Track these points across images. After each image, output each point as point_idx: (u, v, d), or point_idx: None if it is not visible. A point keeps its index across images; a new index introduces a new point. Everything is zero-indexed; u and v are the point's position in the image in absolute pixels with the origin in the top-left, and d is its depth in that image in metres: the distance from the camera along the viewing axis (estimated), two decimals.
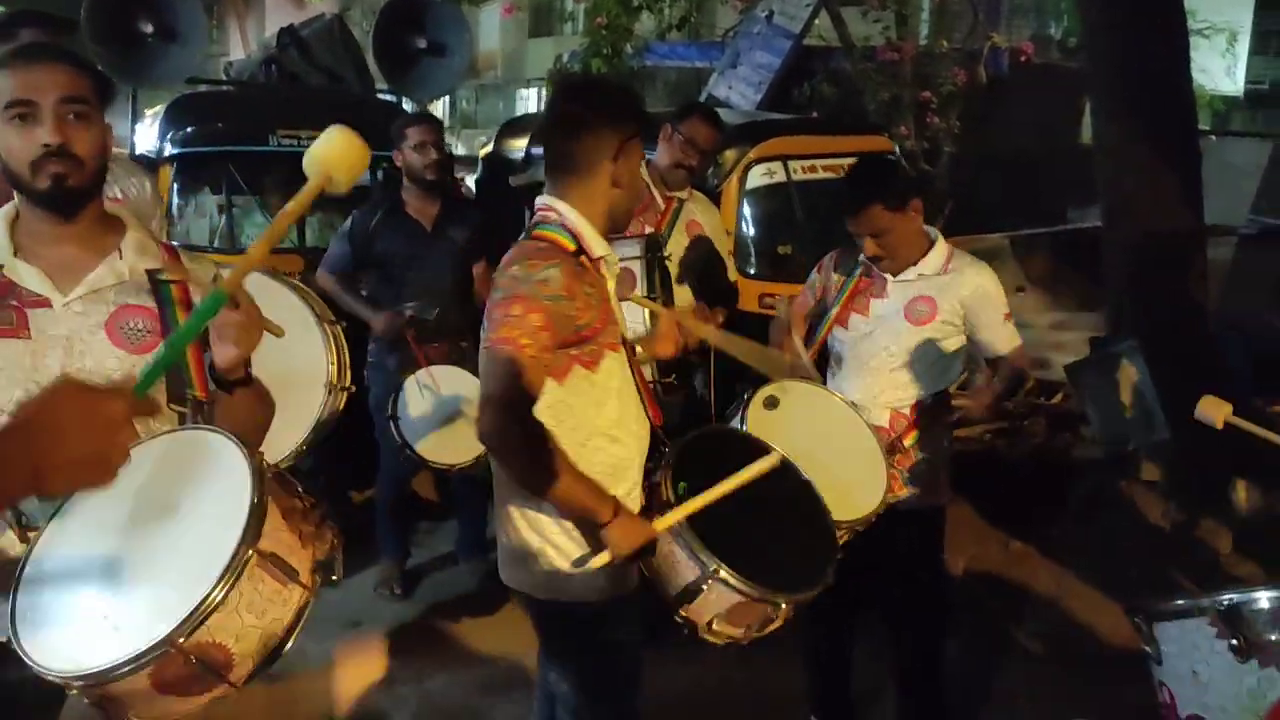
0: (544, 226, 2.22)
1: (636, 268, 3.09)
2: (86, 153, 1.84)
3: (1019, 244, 8.14)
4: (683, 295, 3.93)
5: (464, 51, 5.93)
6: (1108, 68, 5.12)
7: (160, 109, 5.34)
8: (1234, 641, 2.00)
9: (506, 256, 2.19)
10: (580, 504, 2.15)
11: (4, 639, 1.56)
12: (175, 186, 4.89)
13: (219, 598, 1.46)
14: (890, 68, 8.28)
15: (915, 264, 3.04)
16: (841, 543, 2.79)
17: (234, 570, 1.47)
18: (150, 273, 1.97)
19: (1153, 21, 4.97)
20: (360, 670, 3.83)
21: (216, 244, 4.96)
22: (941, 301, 3.01)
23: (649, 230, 3.68)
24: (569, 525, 2.22)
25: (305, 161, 1.64)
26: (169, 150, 4.88)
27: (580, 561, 2.22)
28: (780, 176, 4.85)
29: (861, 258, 3.10)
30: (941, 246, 3.06)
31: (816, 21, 8.87)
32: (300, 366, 2.62)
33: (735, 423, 2.84)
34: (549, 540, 2.23)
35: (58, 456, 1.17)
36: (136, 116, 5.54)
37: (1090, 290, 6.48)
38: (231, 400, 1.87)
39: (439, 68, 5.82)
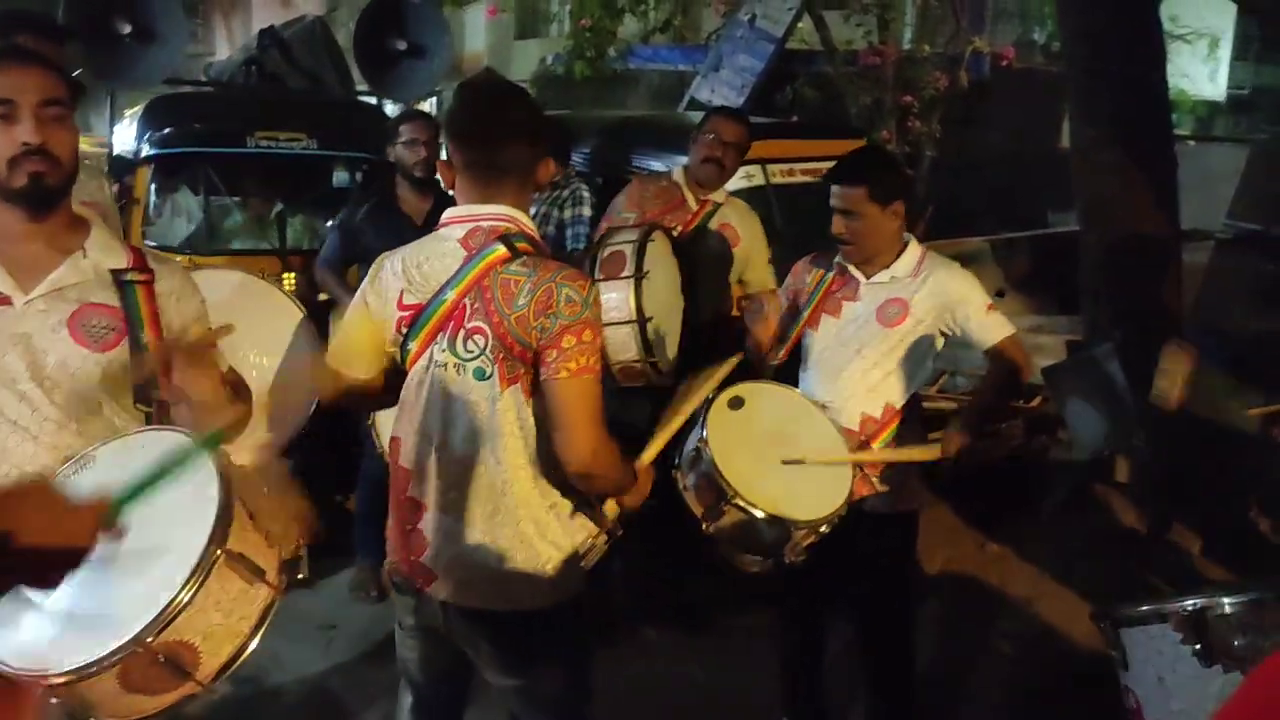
0: (519, 239, 2.14)
1: (628, 250, 3.09)
2: (63, 153, 1.88)
3: (999, 247, 8.16)
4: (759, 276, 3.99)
5: (444, 53, 5.92)
6: (1084, 72, 5.15)
7: (139, 109, 5.32)
8: (1199, 646, 2.01)
9: (536, 278, 2.07)
10: (625, 481, 2.23)
11: None
12: (153, 187, 4.87)
13: (187, 598, 1.48)
14: (872, 72, 8.31)
15: (888, 266, 3.05)
16: (806, 544, 2.81)
17: (202, 570, 1.49)
18: (114, 272, 1.98)
19: (1130, 26, 5.00)
20: (334, 673, 3.83)
21: (194, 245, 4.94)
22: (914, 303, 3.02)
23: (677, 229, 3.75)
24: (566, 517, 2.22)
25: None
26: (146, 151, 4.86)
27: (576, 555, 2.23)
28: (759, 180, 4.87)
29: (836, 259, 3.11)
30: (914, 249, 3.07)
31: (800, 25, 8.90)
32: (285, 358, 2.65)
33: (697, 424, 2.84)
34: (555, 543, 2.21)
35: (20, 553, 1.14)
36: (115, 117, 5.51)
37: (1070, 294, 6.52)
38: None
39: (419, 69, 5.81)
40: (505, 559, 2.18)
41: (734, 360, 2.83)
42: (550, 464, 2.16)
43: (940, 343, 3.08)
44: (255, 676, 3.74)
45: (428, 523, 2.21)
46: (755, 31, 8.64)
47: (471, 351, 2.11)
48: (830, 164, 5.08)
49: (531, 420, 2.14)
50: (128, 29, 5.16)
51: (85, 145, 2.15)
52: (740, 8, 8.96)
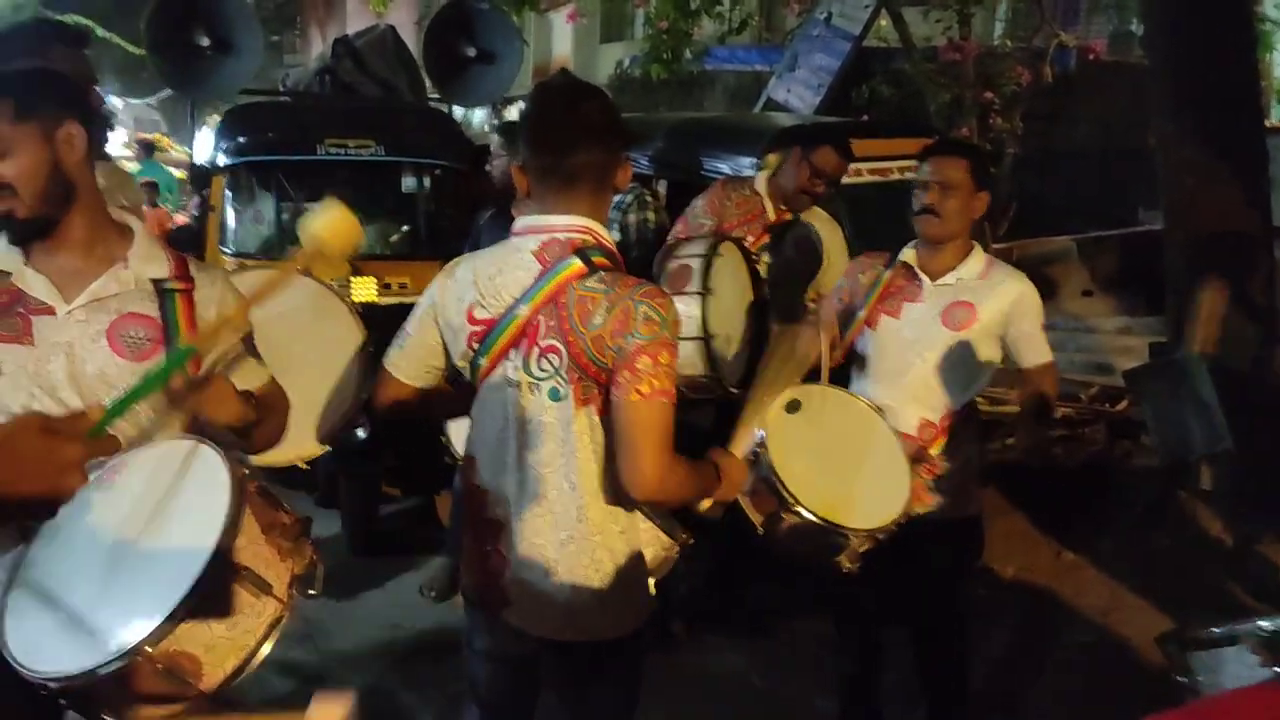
0: (596, 252, 2.05)
1: (695, 264, 3.06)
2: (16, 182, 1.86)
3: (1086, 246, 7.93)
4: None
5: (514, 59, 5.98)
6: (1169, 62, 4.96)
7: (216, 120, 5.48)
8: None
9: (614, 295, 1.98)
10: (705, 485, 2.16)
11: None
12: (228, 195, 5.01)
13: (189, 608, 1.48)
14: (952, 68, 8.13)
15: (954, 268, 2.98)
16: (862, 551, 2.75)
17: (205, 583, 1.50)
18: (156, 281, 2.01)
19: (1218, 13, 4.80)
20: (395, 673, 3.87)
21: (268, 252, 5.05)
22: (982, 307, 2.94)
23: (750, 239, 3.71)
24: (639, 542, 2.17)
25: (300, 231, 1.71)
26: (222, 160, 5.00)
27: (647, 581, 2.20)
28: None
29: (899, 258, 3.05)
30: (980, 254, 3.01)
31: (881, 22, 8.77)
32: (333, 354, 2.69)
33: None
34: (628, 572, 2.14)
35: (6, 490, 1.19)
36: (195, 128, 5.69)
37: (1161, 294, 6.30)
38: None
39: (488, 75, 5.87)
40: (578, 588, 2.10)
41: (805, 331, 2.75)
42: (622, 488, 2.06)
43: (1000, 350, 3.00)
44: (319, 674, 3.82)
45: (503, 546, 2.14)
46: (832, 30, 8.54)
47: (545, 371, 2.03)
48: (900, 163, 5.05)
49: (606, 443, 2.06)
50: (206, 42, 5.32)
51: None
52: (817, 7, 8.86)
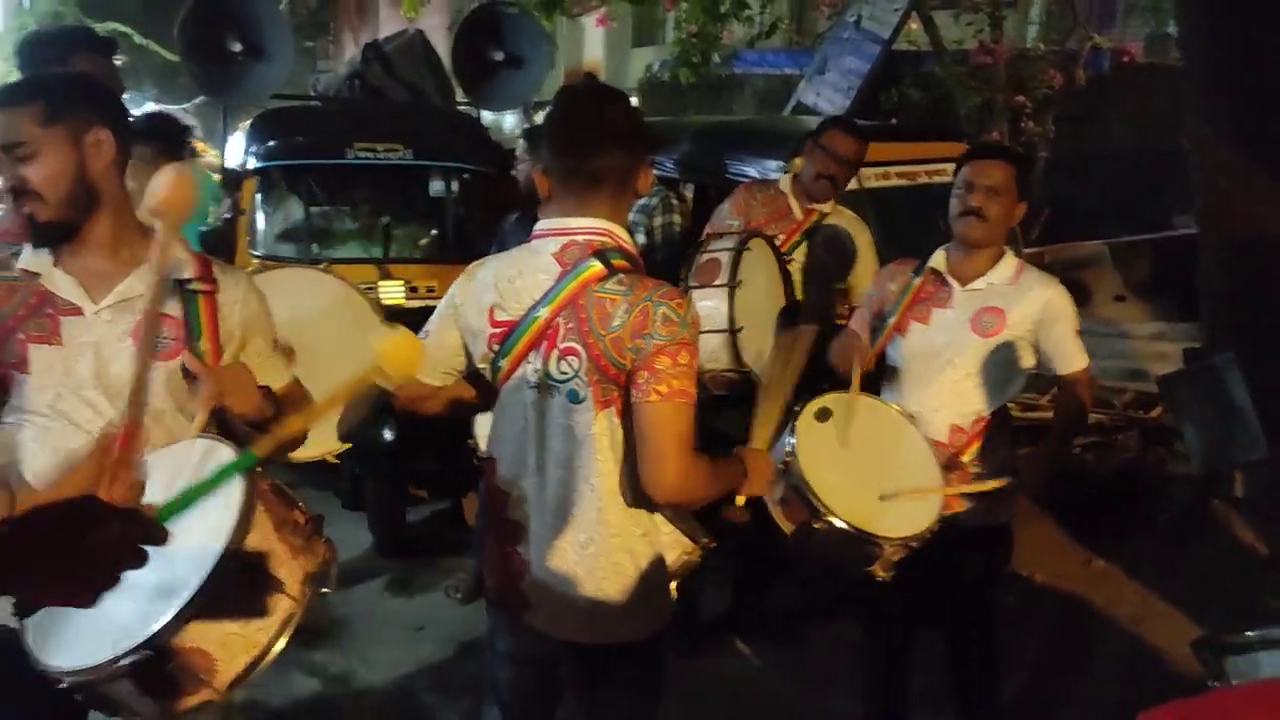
0: (616, 254, 2.05)
1: (724, 258, 3.05)
2: (42, 187, 1.88)
3: (1119, 251, 7.83)
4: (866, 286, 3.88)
5: (542, 63, 5.99)
6: (1204, 64, 4.88)
7: (247, 125, 5.54)
8: None
9: (633, 297, 1.98)
10: (730, 482, 2.17)
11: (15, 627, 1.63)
12: (258, 199, 5.05)
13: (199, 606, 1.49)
14: (982, 71, 8.06)
15: (984, 274, 2.95)
16: (896, 559, 2.73)
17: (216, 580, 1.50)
18: (180, 282, 2.03)
19: (1254, 15, 4.72)
20: (419, 674, 3.88)
21: (297, 254, 5.09)
22: (1011, 313, 2.91)
23: (780, 238, 3.73)
24: (659, 545, 2.17)
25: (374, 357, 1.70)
26: (252, 164, 5.04)
27: (668, 584, 2.19)
28: (852, 184, 4.75)
29: (929, 264, 3.02)
30: (1011, 258, 2.98)
31: (911, 26, 8.72)
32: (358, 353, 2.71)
33: (785, 435, 2.79)
34: (648, 574, 2.13)
35: (50, 572, 1.12)
36: (227, 132, 5.74)
37: (1194, 300, 6.22)
38: None
39: (516, 79, 5.89)
40: (598, 591, 2.10)
41: (812, 330, 2.71)
42: (643, 490, 2.05)
43: (1031, 356, 2.97)
44: (343, 675, 3.84)
45: (524, 548, 2.15)
46: (862, 33, 8.49)
47: (565, 373, 2.03)
48: (927, 166, 5.01)
49: (626, 445, 2.05)
50: (238, 47, 5.38)
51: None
52: (847, 10, 8.82)
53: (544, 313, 2.03)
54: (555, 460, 2.08)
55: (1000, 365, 2.94)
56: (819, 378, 3.22)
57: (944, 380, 2.97)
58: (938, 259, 3.02)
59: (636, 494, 2.07)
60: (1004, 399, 3.00)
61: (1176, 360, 5.44)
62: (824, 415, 2.87)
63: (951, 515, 2.84)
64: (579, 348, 2.01)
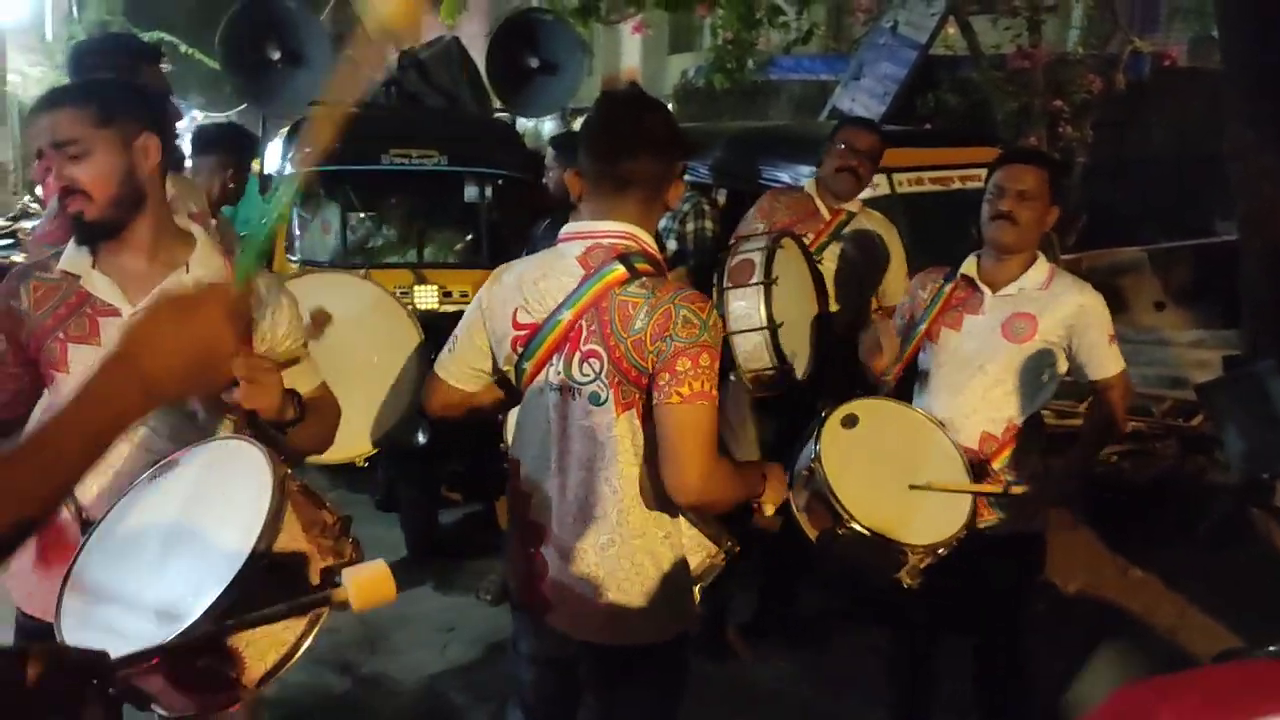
0: (639, 258, 2.06)
1: (757, 257, 3.06)
2: (91, 187, 1.94)
3: (1158, 257, 7.75)
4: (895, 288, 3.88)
5: (576, 69, 6.02)
6: (1246, 68, 4.83)
7: (284, 131, 5.61)
8: None
9: (654, 300, 2.00)
10: (751, 487, 2.18)
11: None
12: (295, 204, 5.11)
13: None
14: (1020, 76, 7.99)
15: (1016, 279, 2.92)
16: (923, 566, 2.71)
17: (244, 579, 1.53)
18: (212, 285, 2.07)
19: None
20: (449, 675, 3.91)
21: (334, 259, 5.15)
22: (1043, 319, 2.88)
23: (809, 238, 3.74)
24: (681, 547, 2.17)
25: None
26: (289, 170, 5.11)
27: (691, 586, 2.19)
28: (884, 189, 4.74)
29: (961, 270, 3.00)
30: (1043, 264, 2.94)
31: (948, 31, 8.66)
32: (392, 357, 2.77)
33: (810, 442, 2.78)
34: (670, 576, 2.13)
35: (166, 364, 1.19)
36: (267, 139, 5.83)
37: (1236, 307, 6.14)
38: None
39: (551, 86, 5.93)
40: (619, 593, 2.11)
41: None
42: (665, 493, 2.07)
43: (1064, 362, 2.94)
44: (373, 675, 3.87)
45: (546, 549, 2.16)
46: (898, 39, 8.45)
47: (587, 375, 2.04)
48: (961, 172, 4.98)
49: (647, 448, 2.06)
50: (278, 55, 5.45)
51: None
52: (883, 15, 8.79)
53: (567, 315, 2.05)
54: (577, 462, 2.09)
55: (1032, 371, 2.91)
56: (851, 381, 3.22)
57: (975, 386, 2.94)
58: (969, 265, 3.00)
59: (659, 496, 2.08)
60: (1036, 405, 2.97)
61: (1216, 368, 5.37)
62: (851, 421, 2.86)
63: (982, 524, 2.82)
64: (601, 350, 2.02)
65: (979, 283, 2.97)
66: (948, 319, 3.01)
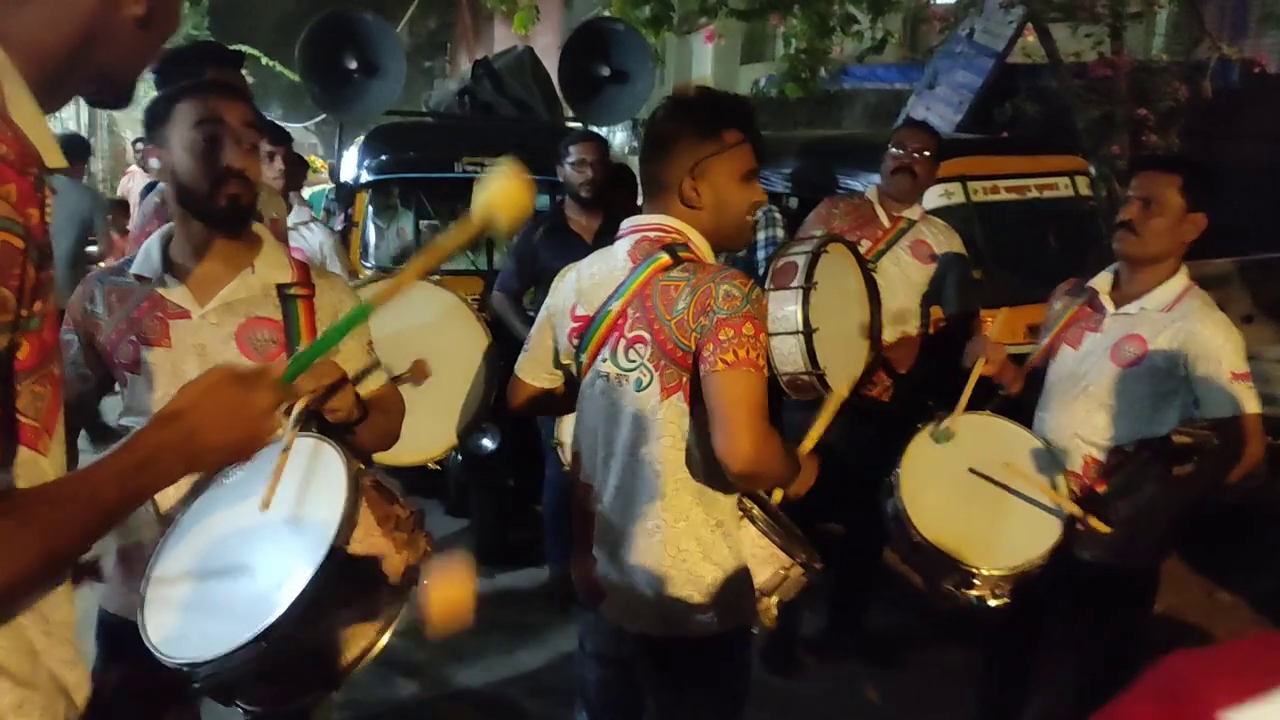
0: (684, 249, 2.09)
1: (801, 260, 3.03)
2: (256, 177, 2.05)
3: (1248, 270, 7.47)
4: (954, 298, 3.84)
5: (647, 79, 6.03)
6: None
7: (360, 140, 5.71)
8: None
9: (696, 280, 2.01)
10: (792, 469, 2.16)
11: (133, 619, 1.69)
12: (369, 211, 5.20)
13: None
14: (1102, 84, 7.79)
15: (1140, 296, 2.75)
16: (1008, 588, 2.65)
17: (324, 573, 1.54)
18: (280, 287, 2.11)
19: None
20: (516, 678, 3.91)
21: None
22: (1153, 344, 2.69)
23: (865, 245, 3.72)
24: (734, 536, 2.16)
25: (474, 201, 1.65)
26: (364, 178, 5.20)
27: (744, 579, 2.17)
28: (959, 198, 4.66)
29: (1088, 284, 2.89)
30: (1178, 281, 2.73)
31: (1027, 38, 8.49)
32: (462, 362, 2.84)
33: (898, 456, 2.78)
34: (720, 564, 2.11)
35: (210, 443, 1.26)
36: (343, 146, 5.93)
37: None
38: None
39: (623, 95, 5.94)
40: (665, 580, 2.09)
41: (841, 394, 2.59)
42: (715, 479, 2.07)
43: (1183, 392, 2.69)
44: (442, 678, 3.89)
45: (599, 539, 2.18)
46: (974, 47, 8.33)
47: (633, 361, 2.08)
48: (1038, 180, 4.87)
49: (692, 433, 2.06)
50: (354, 65, 5.55)
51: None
52: (959, 24, 8.65)
53: (616, 305, 2.11)
54: (624, 448, 2.12)
55: (1141, 399, 2.72)
56: (941, 387, 3.13)
57: (1078, 408, 2.81)
58: (1101, 279, 2.87)
59: (708, 481, 2.09)
60: (1148, 434, 2.72)
61: None
62: (944, 436, 2.80)
63: (1082, 549, 2.70)
64: (646, 335, 2.06)
65: (1103, 299, 2.83)
66: (1069, 335, 2.89)
